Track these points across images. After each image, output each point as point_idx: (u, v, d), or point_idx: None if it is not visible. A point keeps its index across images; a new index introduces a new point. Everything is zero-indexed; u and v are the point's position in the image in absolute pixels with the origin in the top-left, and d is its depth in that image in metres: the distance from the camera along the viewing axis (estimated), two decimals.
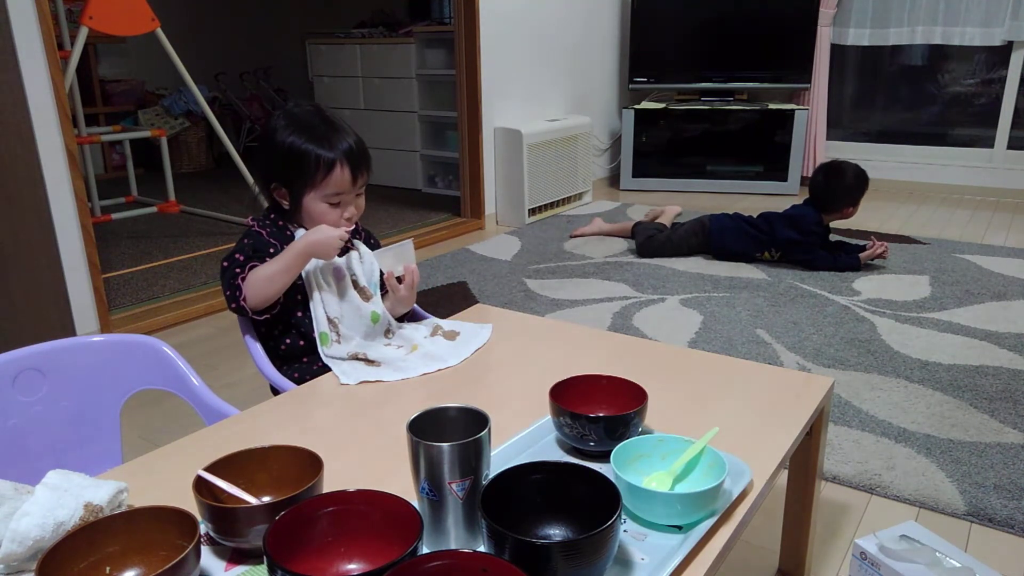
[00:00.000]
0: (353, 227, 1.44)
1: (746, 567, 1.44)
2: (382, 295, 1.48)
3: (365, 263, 1.45)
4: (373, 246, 1.51)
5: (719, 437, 1.02)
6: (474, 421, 0.85)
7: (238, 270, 1.34)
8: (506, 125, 3.98)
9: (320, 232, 1.34)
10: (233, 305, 1.34)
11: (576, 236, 3.72)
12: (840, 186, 3.08)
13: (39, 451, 1.21)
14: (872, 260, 3.14)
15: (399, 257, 1.41)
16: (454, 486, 0.81)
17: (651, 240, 3.36)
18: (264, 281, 1.33)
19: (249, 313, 1.35)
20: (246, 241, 1.39)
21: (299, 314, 1.40)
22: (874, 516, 1.59)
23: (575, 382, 1.08)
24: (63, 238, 2.40)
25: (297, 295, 1.39)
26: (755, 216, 3.25)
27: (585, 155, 4.42)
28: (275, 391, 1.37)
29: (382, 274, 1.45)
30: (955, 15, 4.40)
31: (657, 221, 3.53)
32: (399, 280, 1.43)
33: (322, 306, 1.38)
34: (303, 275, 1.38)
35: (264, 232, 1.40)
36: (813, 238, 3.10)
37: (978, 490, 1.64)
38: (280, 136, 1.36)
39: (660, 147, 4.77)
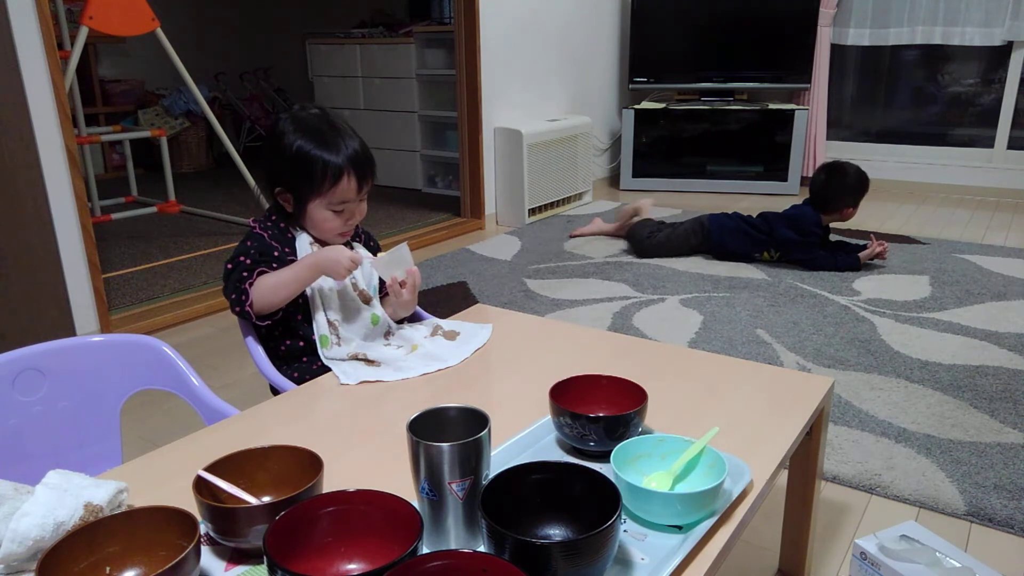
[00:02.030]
0: (352, 233, 1.44)
1: (746, 567, 1.44)
2: (382, 300, 1.48)
3: (365, 266, 1.45)
4: (373, 248, 1.51)
5: (719, 437, 1.02)
6: (474, 421, 0.85)
7: (245, 274, 1.34)
8: (506, 125, 3.98)
9: (334, 251, 1.34)
10: (237, 309, 1.34)
11: (576, 236, 3.72)
12: (841, 186, 3.08)
13: (39, 451, 1.21)
14: (871, 260, 3.15)
15: (398, 262, 1.41)
16: (454, 486, 0.81)
17: (650, 239, 3.36)
18: (271, 290, 1.33)
19: (252, 319, 1.35)
20: (249, 244, 1.38)
21: (299, 317, 1.40)
22: (874, 516, 1.59)
23: (575, 382, 1.08)
24: (63, 238, 2.40)
25: (297, 298, 1.39)
26: (754, 216, 3.25)
27: (585, 155, 4.42)
28: (275, 391, 1.37)
29: (382, 280, 1.45)
30: (955, 15, 4.40)
31: (646, 218, 3.52)
32: (401, 285, 1.43)
33: (322, 309, 1.38)
34: None
35: (266, 235, 1.40)
36: (812, 238, 3.10)
37: (978, 490, 1.64)
38: (287, 140, 1.35)
39: (660, 147, 4.77)
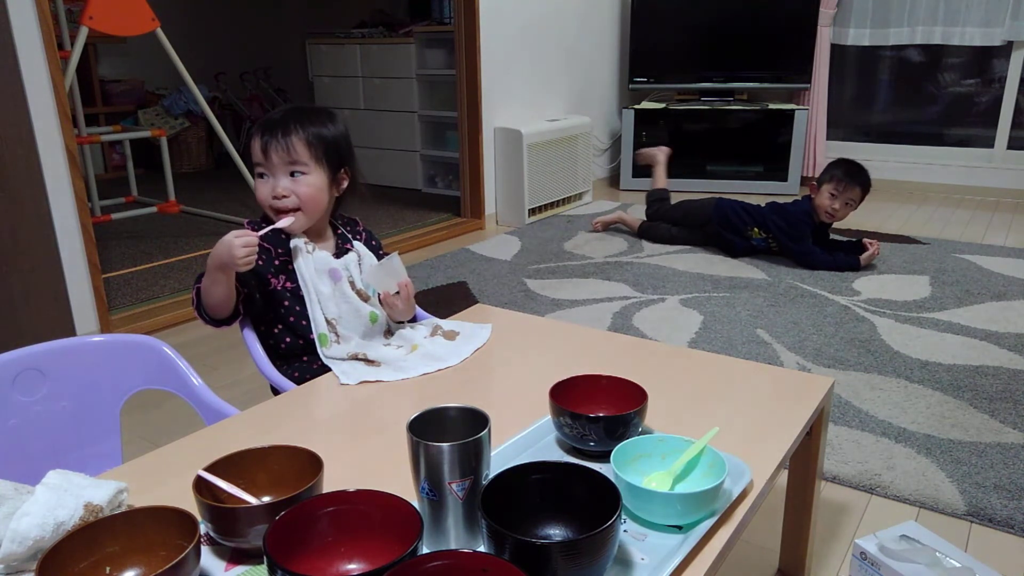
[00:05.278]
0: (292, 207, 1.36)
1: (746, 567, 1.44)
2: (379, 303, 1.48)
3: (363, 264, 1.45)
4: (374, 248, 1.51)
5: (719, 437, 1.02)
6: (474, 421, 0.85)
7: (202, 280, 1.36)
8: (506, 125, 3.98)
9: (221, 243, 1.26)
10: (198, 315, 1.38)
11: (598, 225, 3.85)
12: (831, 166, 3.15)
13: (39, 451, 1.21)
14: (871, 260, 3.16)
15: (391, 274, 1.40)
16: (454, 486, 0.81)
17: (655, 204, 3.63)
18: (205, 292, 1.33)
19: (206, 322, 1.37)
20: None
21: (291, 319, 1.40)
22: (874, 516, 1.59)
23: (575, 382, 1.08)
24: (63, 238, 2.40)
25: (288, 301, 1.39)
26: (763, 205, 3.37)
27: (585, 155, 4.42)
28: (275, 391, 1.37)
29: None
30: (955, 15, 4.40)
31: (657, 188, 3.77)
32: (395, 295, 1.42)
33: (320, 308, 1.38)
34: (300, 277, 1.38)
35: None
36: (800, 227, 3.14)
37: (978, 490, 1.64)
38: None
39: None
